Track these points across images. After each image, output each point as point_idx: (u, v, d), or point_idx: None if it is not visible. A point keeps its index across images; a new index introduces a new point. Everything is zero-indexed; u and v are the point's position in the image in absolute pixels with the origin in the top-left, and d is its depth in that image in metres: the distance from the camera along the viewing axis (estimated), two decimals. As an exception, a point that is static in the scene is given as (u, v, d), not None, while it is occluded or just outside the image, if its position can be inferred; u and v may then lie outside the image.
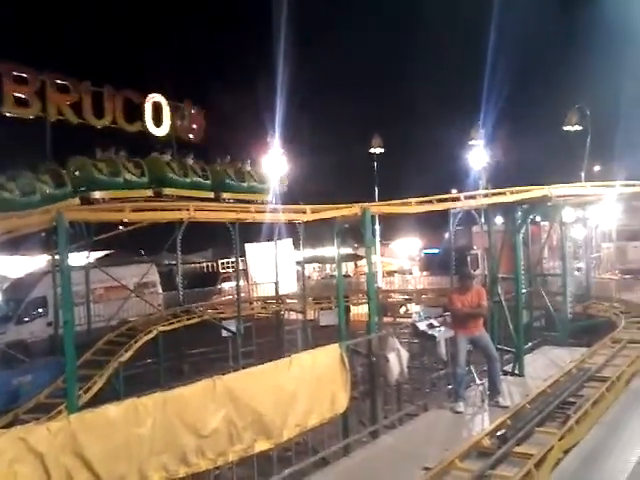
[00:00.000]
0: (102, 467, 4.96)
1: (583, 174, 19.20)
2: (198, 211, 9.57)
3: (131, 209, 9.16)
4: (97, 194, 15.09)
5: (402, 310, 26.28)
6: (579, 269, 19.30)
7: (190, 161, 18.22)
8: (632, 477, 5.57)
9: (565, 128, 20.78)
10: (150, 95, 18.47)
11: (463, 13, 34.87)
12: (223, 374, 6.41)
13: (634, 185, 14.32)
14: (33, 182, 13.87)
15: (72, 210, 9.42)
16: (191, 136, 19.99)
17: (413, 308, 25.08)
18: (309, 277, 30.95)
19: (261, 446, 6.40)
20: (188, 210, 9.42)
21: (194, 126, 19.98)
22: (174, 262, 21.07)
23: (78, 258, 18.36)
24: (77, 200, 14.63)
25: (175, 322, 16.88)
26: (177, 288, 19.70)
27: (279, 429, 6.54)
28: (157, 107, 18.61)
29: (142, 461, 5.27)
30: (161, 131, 18.71)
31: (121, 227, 20.21)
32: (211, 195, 18.06)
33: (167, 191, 16.79)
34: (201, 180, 17.99)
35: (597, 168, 29.83)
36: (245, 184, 19.21)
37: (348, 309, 22.86)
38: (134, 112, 18.07)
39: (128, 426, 5.23)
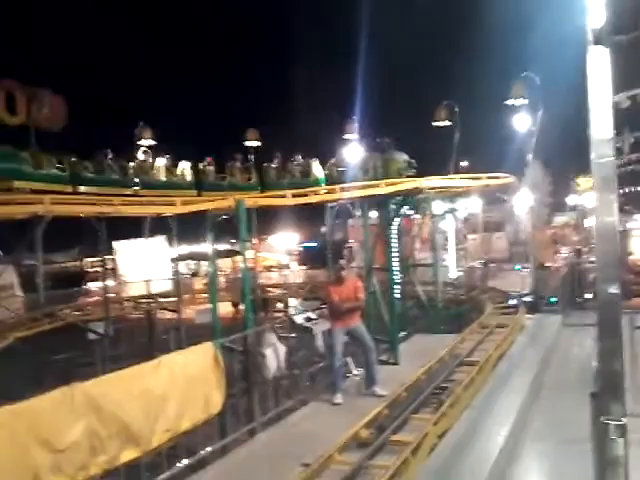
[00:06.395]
0: None
1: (451, 168, 20.02)
2: (55, 204, 8.71)
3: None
4: None
5: (281, 305, 26.16)
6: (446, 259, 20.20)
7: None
8: (501, 456, 5.72)
9: (434, 124, 21.58)
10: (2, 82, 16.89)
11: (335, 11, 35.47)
12: (84, 381, 5.85)
13: (498, 177, 15.19)
14: None
15: None
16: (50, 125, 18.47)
17: (291, 302, 25.03)
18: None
19: (128, 455, 5.92)
20: (43, 203, 8.54)
21: (53, 115, 18.48)
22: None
23: None
24: None
25: (35, 327, 15.57)
26: (38, 290, 18.22)
27: (148, 436, 6.08)
28: (10, 94, 17.03)
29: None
30: (16, 120, 17.14)
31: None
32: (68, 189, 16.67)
33: (17, 184, 15.43)
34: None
35: (465, 163, 31.35)
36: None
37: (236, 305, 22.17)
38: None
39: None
